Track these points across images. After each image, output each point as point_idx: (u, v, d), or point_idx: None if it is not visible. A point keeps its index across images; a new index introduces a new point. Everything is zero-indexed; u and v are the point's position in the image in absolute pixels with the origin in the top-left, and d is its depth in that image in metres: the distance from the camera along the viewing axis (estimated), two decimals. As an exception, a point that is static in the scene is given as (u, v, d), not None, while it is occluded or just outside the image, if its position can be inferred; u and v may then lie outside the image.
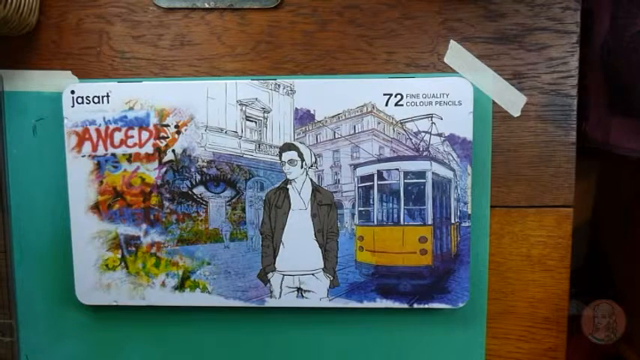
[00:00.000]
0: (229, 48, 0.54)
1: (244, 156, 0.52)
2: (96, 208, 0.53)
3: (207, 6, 0.53)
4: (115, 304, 0.54)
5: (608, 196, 0.98)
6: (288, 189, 0.53)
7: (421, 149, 0.51)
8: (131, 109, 0.52)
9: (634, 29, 0.62)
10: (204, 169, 0.53)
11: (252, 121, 0.52)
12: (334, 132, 0.52)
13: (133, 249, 0.54)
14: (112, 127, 0.52)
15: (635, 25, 0.62)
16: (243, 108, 0.52)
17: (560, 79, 0.54)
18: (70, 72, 0.54)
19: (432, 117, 0.51)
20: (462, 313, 0.54)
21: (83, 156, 0.53)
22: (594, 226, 1.00)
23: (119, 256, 0.54)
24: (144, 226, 0.53)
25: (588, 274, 0.97)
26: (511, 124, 0.54)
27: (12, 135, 0.54)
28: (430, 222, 0.52)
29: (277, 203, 0.53)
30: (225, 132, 0.52)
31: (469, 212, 0.52)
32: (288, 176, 0.53)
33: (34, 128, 0.54)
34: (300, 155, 0.52)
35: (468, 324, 0.55)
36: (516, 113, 0.54)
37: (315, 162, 0.52)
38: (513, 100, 0.54)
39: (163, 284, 0.54)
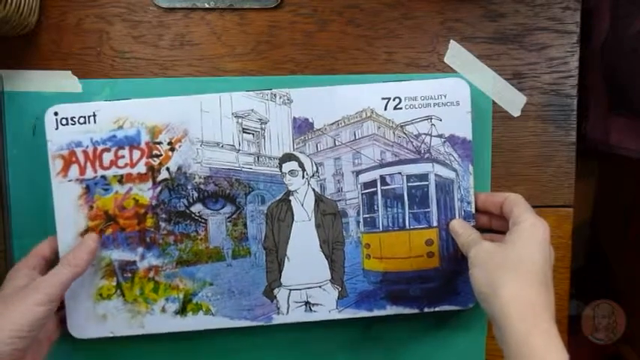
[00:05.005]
0: (229, 48, 0.54)
1: (243, 169, 0.51)
2: (86, 234, 0.50)
3: (207, 6, 0.53)
4: (111, 335, 0.51)
5: (608, 196, 0.98)
6: (290, 201, 0.51)
7: (422, 152, 0.51)
8: (120, 127, 0.50)
9: (634, 29, 0.62)
10: (202, 186, 0.51)
11: (249, 133, 0.51)
12: (334, 139, 0.51)
13: (129, 275, 0.51)
14: (100, 147, 0.50)
15: (635, 25, 0.62)
16: (239, 120, 0.50)
17: (560, 79, 0.54)
18: (70, 72, 0.54)
19: (431, 118, 0.51)
20: (463, 314, 0.54)
21: (70, 180, 0.50)
22: (594, 226, 1.00)
23: (114, 283, 0.51)
24: (140, 249, 0.51)
25: (588, 274, 0.97)
26: (511, 124, 0.54)
27: (12, 135, 0.54)
28: (435, 224, 0.51)
29: (280, 216, 0.51)
30: (222, 146, 0.51)
31: (473, 212, 0.52)
32: (289, 187, 0.51)
33: (34, 128, 0.54)
34: (301, 165, 0.51)
35: (469, 324, 0.55)
36: (516, 113, 0.54)
37: (317, 171, 0.51)
38: (513, 100, 0.54)
39: (163, 310, 0.51)
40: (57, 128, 0.50)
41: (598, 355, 0.91)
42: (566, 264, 0.55)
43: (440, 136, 0.51)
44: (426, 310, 0.52)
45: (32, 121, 0.54)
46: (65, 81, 0.53)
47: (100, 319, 0.51)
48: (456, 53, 0.53)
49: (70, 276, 0.46)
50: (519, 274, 0.42)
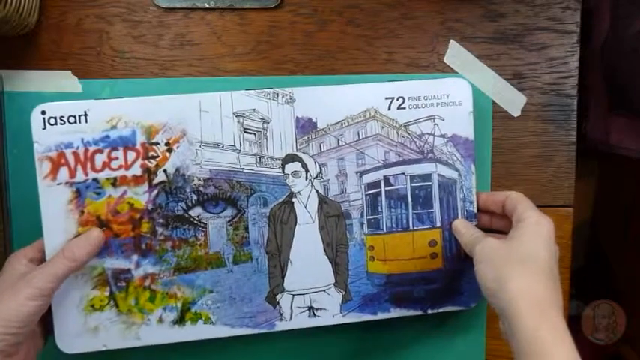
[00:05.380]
0: (229, 48, 0.54)
1: (244, 171, 0.49)
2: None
3: (207, 6, 0.53)
4: (104, 348, 0.49)
5: (608, 196, 0.98)
6: (293, 203, 0.50)
7: (426, 152, 0.51)
8: (114, 127, 0.47)
9: (634, 29, 0.62)
10: (201, 189, 0.49)
11: (250, 133, 0.49)
12: (338, 140, 0.50)
13: (123, 284, 0.48)
14: (92, 149, 0.47)
15: (635, 25, 0.62)
16: (240, 120, 0.49)
17: (560, 79, 0.53)
18: (70, 72, 0.54)
19: (434, 118, 0.51)
20: (463, 314, 0.54)
21: (59, 184, 0.47)
22: (594, 226, 1.00)
23: (107, 293, 0.48)
24: (134, 257, 0.48)
25: (588, 274, 0.97)
26: (511, 124, 0.54)
27: (12, 135, 0.54)
28: (439, 224, 0.51)
29: (282, 219, 0.50)
30: (222, 147, 0.49)
31: (475, 211, 0.51)
32: (292, 189, 0.50)
33: (34, 128, 0.54)
34: (304, 166, 0.50)
35: (469, 324, 0.55)
36: (516, 113, 0.54)
37: (320, 172, 0.50)
38: (513, 100, 0.54)
39: (160, 320, 0.49)
40: (44, 128, 0.47)
41: (598, 355, 0.91)
42: (566, 264, 0.55)
43: (443, 136, 0.51)
44: (429, 311, 0.52)
45: (32, 121, 0.54)
46: (65, 81, 0.53)
47: (91, 331, 0.48)
48: (456, 53, 0.53)
49: (66, 270, 0.44)
50: (526, 269, 0.42)
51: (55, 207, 0.47)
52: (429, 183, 0.51)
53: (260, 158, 0.50)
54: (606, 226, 0.99)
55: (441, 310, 0.52)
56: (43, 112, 0.47)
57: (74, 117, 0.47)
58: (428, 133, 0.51)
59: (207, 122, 0.48)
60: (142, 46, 0.54)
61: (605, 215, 0.99)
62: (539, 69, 0.53)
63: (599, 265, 0.99)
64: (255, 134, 0.49)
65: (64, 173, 0.47)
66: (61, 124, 0.47)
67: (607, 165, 0.94)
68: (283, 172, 0.50)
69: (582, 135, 0.72)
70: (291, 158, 0.50)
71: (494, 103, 0.53)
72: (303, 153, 0.50)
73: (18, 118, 0.54)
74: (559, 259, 0.54)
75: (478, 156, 0.52)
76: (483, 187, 0.53)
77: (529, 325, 0.39)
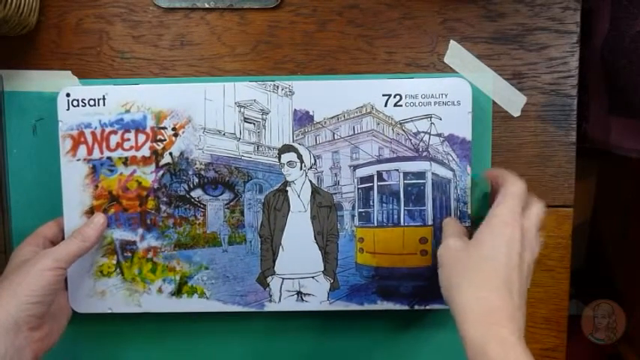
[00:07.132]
0: (229, 48, 0.54)
1: (243, 158, 0.52)
2: (91, 212, 0.52)
3: (207, 6, 0.53)
4: (109, 311, 0.53)
5: (608, 196, 0.98)
6: (287, 191, 0.52)
7: (420, 150, 0.51)
8: (127, 111, 0.51)
9: (634, 29, 0.62)
10: (202, 172, 0.52)
11: (250, 122, 0.52)
12: (333, 133, 0.52)
13: (129, 254, 0.52)
14: (107, 130, 0.51)
15: (635, 25, 0.62)
16: (242, 109, 0.52)
17: (560, 79, 0.54)
18: (70, 72, 0.54)
19: (431, 117, 0.51)
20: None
21: (78, 160, 0.52)
22: (594, 226, 1.00)
23: (114, 261, 0.52)
24: (140, 230, 0.52)
25: (588, 274, 0.97)
26: (511, 124, 0.54)
27: (12, 135, 0.54)
28: (430, 222, 0.51)
29: (276, 205, 0.52)
30: (224, 134, 0.52)
31: (469, 212, 0.52)
32: (287, 178, 0.52)
33: (34, 128, 0.54)
34: (299, 157, 0.52)
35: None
36: (516, 113, 0.54)
37: (315, 163, 0.52)
38: (513, 100, 0.54)
39: (160, 290, 0.53)
40: (68, 109, 0.51)
41: (598, 355, 0.91)
42: (566, 264, 0.55)
43: (439, 135, 0.51)
44: (416, 307, 0.52)
45: (32, 121, 0.54)
46: (65, 81, 0.53)
47: (99, 295, 0.53)
48: (456, 53, 0.53)
49: (78, 249, 0.48)
50: (478, 277, 0.40)
51: (74, 181, 0.52)
52: (423, 181, 0.51)
53: (258, 147, 0.52)
54: (606, 226, 0.99)
55: (427, 307, 0.52)
56: (68, 95, 0.51)
57: (94, 100, 0.51)
58: (424, 132, 0.51)
59: (211, 110, 0.52)
60: (142, 46, 0.54)
61: (605, 215, 0.99)
62: (539, 69, 0.53)
63: (599, 265, 0.99)
64: (254, 124, 0.52)
65: (82, 150, 0.52)
66: (82, 105, 0.51)
67: (607, 165, 0.94)
68: (279, 161, 0.52)
69: (582, 135, 0.72)
70: (287, 148, 0.52)
71: (494, 103, 0.54)
72: (299, 144, 0.52)
73: (18, 118, 0.54)
74: (559, 259, 0.55)
75: (478, 156, 0.52)
76: (483, 187, 0.53)
77: (475, 338, 0.38)
